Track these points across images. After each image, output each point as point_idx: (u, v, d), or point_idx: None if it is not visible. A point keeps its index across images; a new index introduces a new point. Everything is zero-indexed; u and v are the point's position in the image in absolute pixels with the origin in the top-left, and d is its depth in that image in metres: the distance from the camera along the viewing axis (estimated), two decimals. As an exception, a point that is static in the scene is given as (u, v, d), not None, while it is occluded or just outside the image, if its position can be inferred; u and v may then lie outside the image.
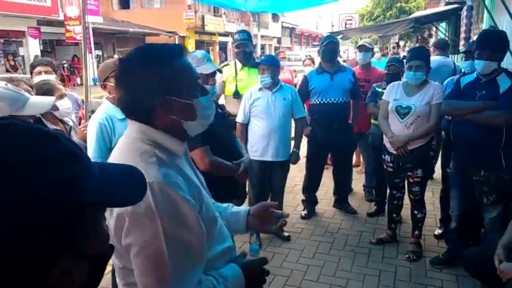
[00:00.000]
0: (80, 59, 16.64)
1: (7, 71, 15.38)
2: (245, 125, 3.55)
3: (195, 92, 1.17)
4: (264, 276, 1.31)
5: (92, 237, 0.54)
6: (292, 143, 3.77)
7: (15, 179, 0.46)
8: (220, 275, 1.18)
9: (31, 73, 3.50)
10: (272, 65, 3.51)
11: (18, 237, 0.45)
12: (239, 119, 3.54)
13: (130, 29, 21.96)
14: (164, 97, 1.10)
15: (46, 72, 3.35)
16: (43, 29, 16.84)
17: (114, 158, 1.18)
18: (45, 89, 2.44)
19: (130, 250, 1.05)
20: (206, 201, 1.19)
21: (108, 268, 3.07)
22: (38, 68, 3.43)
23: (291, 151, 3.69)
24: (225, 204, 1.49)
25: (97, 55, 19.25)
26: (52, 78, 3.27)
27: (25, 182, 0.47)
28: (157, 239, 1.02)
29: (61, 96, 2.59)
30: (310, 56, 7.61)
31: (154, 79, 1.10)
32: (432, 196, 4.42)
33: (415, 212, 3.43)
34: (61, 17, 15.64)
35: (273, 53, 7.27)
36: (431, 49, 6.71)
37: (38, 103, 1.57)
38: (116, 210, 1.04)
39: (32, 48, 16.59)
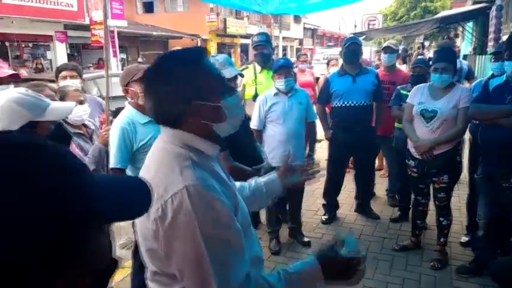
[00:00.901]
0: (105, 63, 16.99)
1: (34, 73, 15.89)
2: (260, 131, 3.51)
3: (223, 93, 1.18)
4: (353, 272, 1.18)
5: (91, 252, 0.53)
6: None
7: (9, 191, 0.45)
8: (285, 270, 1.16)
9: (57, 77, 3.55)
10: (292, 67, 3.49)
11: (16, 252, 0.44)
12: (254, 125, 3.47)
13: (154, 33, 22.30)
14: (192, 104, 1.11)
15: (71, 77, 3.39)
16: (70, 33, 17.28)
17: (148, 162, 1.20)
18: (59, 96, 2.48)
19: (171, 255, 1.06)
20: (241, 205, 1.20)
21: (128, 271, 3.10)
22: (64, 73, 3.48)
23: (307, 155, 3.64)
24: (252, 181, 1.56)
25: (122, 58, 19.61)
26: (77, 82, 3.32)
27: (21, 195, 0.45)
28: (196, 242, 1.02)
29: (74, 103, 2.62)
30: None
31: (181, 87, 1.11)
32: (459, 202, 4.29)
33: (441, 219, 3.32)
34: (87, 22, 16.00)
35: (294, 55, 7.20)
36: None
37: (58, 108, 1.59)
38: (153, 215, 1.05)
39: (59, 52, 17.05)
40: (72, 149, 2.22)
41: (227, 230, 1.07)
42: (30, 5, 14.20)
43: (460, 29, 12.95)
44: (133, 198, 0.58)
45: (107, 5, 3.56)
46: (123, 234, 3.84)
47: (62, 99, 2.55)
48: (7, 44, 15.55)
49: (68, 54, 17.93)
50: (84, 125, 2.85)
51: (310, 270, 1.15)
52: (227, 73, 2.44)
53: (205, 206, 1.04)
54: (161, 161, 1.13)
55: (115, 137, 2.44)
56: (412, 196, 3.60)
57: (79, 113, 2.71)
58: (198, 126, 1.15)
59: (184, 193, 1.03)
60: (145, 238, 1.12)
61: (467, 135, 3.65)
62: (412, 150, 3.29)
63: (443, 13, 14.88)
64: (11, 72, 2.61)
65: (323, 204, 4.35)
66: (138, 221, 1.14)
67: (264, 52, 3.88)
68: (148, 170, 1.17)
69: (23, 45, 16.37)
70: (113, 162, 2.45)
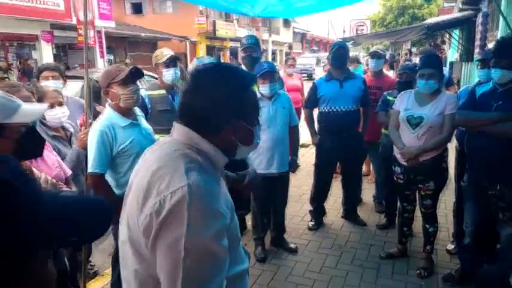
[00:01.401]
0: (92, 63, 16.76)
1: (22, 73, 15.61)
2: None
3: (257, 120, 1.24)
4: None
5: (28, 281, 0.45)
6: None
7: None
8: None
9: (38, 78, 3.44)
10: (276, 71, 3.44)
11: None
12: None
13: (142, 34, 22.12)
14: (237, 120, 1.16)
15: (53, 78, 3.28)
16: (56, 33, 17.01)
17: (153, 156, 1.16)
18: (37, 97, 2.38)
19: (156, 249, 1.01)
20: (235, 219, 1.18)
21: (107, 279, 2.99)
22: (45, 73, 3.35)
23: (290, 160, 3.59)
24: None
25: (109, 59, 19.39)
26: (59, 83, 3.22)
27: None
28: (178, 249, 0.98)
29: (52, 105, 2.51)
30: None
31: (236, 102, 1.15)
32: (445, 208, 4.28)
33: (427, 226, 3.30)
34: (74, 22, 15.78)
35: (283, 59, 7.13)
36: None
37: (29, 110, 1.50)
38: (148, 209, 1.01)
39: (45, 52, 16.77)
40: (47, 152, 2.12)
41: (216, 242, 1.02)
42: (16, 3, 13.94)
43: (447, 36, 13.10)
44: (85, 223, 0.51)
45: (88, 4, 3.46)
46: (104, 239, 3.73)
47: (40, 100, 2.45)
48: (-9, 43, 15.23)
49: (54, 55, 17.63)
50: (63, 128, 2.76)
51: None
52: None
53: (202, 209, 1.00)
54: (167, 157, 1.11)
55: (94, 140, 2.35)
56: (398, 203, 3.58)
57: (58, 115, 2.62)
58: (227, 142, 1.17)
59: (185, 190, 1.00)
60: (133, 233, 1.08)
61: (454, 142, 3.64)
62: (398, 157, 3.26)
63: (430, 20, 15.04)
64: None
65: (310, 210, 4.30)
66: (126, 213, 1.10)
67: (252, 55, 3.81)
68: (151, 164, 1.12)
69: (7, 45, 16.04)
70: (91, 167, 2.36)
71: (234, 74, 1.21)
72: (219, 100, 1.13)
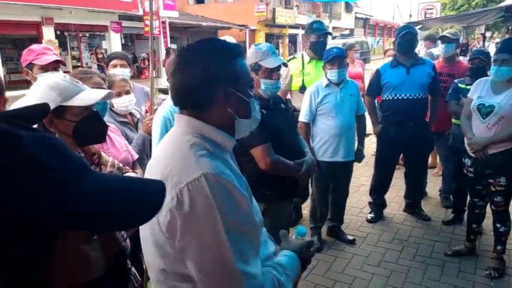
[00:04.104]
0: (157, 53, 17.44)
1: (98, 62, 16.69)
2: (308, 124, 3.35)
3: (251, 92, 1.19)
4: (311, 258, 1.38)
5: (54, 263, 0.45)
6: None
7: None
8: (278, 264, 1.17)
9: (107, 66, 3.62)
10: (345, 56, 3.34)
11: None
12: (304, 118, 3.30)
13: (204, 23, 22.61)
14: (227, 87, 1.10)
15: (121, 66, 3.43)
16: (124, 23, 17.88)
17: (159, 152, 1.15)
18: (107, 85, 2.49)
19: (187, 246, 0.98)
20: (254, 202, 1.17)
21: None
22: (114, 61, 3.52)
23: (356, 149, 3.48)
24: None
25: (172, 49, 20.06)
26: (127, 71, 3.36)
27: None
28: (218, 231, 0.96)
29: (119, 94, 2.62)
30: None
31: (221, 69, 1.10)
32: (520, 206, 3.94)
33: (498, 225, 3.05)
34: (140, 12, 16.47)
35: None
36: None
37: (87, 96, 1.56)
38: (166, 206, 0.97)
39: (114, 42, 17.70)
40: (117, 137, 2.23)
41: (246, 221, 1.03)
42: (88, -4, 14.80)
43: (528, 18, 11.91)
44: (131, 205, 0.49)
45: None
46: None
47: (108, 88, 2.57)
48: (66, 34, 16.36)
49: (122, 44, 18.56)
50: (131, 114, 2.89)
51: (295, 263, 1.25)
52: (270, 62, 2.34)
53: (225, 195, 0.99)
54: (174, 150, 1.08)
55: (157, 126, 2.43)
56: (468, 198, 3.35)
57: (125, 103, 2.74)
58: (222, 115, 1.12)
59: (202, 181, 0.97)
60: (154, 232, 1.04)
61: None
62: (468, 148, 3.04)
63: (508, 1, 13.75)
64: (55, 58, 2.66)
65: (369, 202, 4.16)
66: None
67: (325, 41, 3.76)
68: (158, 160, 1.11)
69: (80, 35, 17.14)
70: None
71: (218, 44, 1.15)
72: (204, 69, 1.08)
